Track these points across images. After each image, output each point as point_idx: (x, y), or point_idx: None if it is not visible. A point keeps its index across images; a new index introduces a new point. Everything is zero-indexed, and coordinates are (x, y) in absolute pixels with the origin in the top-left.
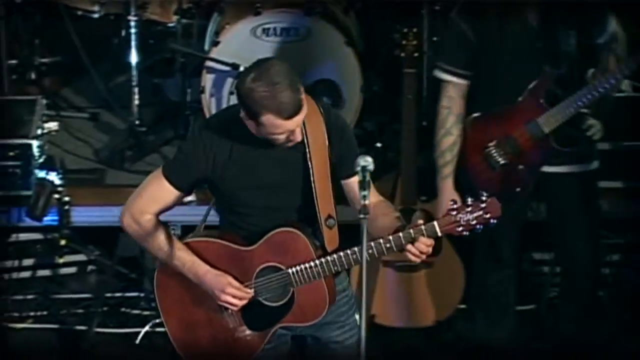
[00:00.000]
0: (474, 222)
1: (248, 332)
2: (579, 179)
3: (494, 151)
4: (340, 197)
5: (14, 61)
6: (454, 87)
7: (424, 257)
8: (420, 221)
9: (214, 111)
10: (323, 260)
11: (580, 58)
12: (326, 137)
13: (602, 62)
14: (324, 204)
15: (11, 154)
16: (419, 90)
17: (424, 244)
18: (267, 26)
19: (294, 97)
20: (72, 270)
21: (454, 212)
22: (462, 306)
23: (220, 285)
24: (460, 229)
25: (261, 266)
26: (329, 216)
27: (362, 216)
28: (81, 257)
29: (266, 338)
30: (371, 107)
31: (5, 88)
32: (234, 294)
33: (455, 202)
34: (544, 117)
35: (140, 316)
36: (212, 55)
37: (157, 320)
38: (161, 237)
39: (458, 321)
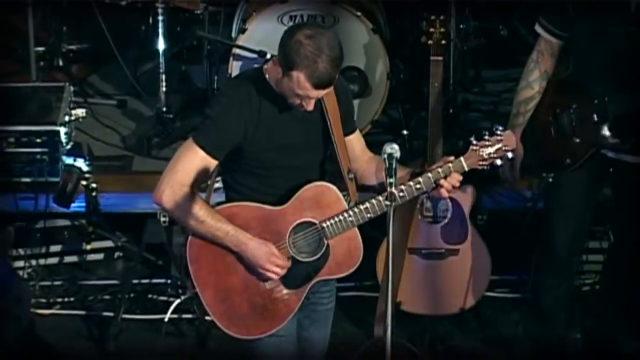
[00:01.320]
0: (495, 155)
1: (285, 291)
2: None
3: (560, 117)
4: None
5: (41, 48)
6: (546, 43)
7: (452, 191)
8: (451, 157)
9: None
10: (356, 209)
11: None
12: (335, 95)
13: None
14: (344, 159)
15: (39, 140)
16: (445, 78)
17: (455, 179)
18: (293, 13)
19: (331, 72)
20: (99, 256)
21: (477, 148)
22: (488, 294)
23: (264, 255)
24: (483, 162)
25: (294, 223)
26: (349, 169)
27: (388, 203)
28: (108, 244)
29: (303, 295)
30: (398, 95)
31: (33, 75)
32: (277, 263)
33: (476, 140)
34: (609, 101)
35: (167, 302)
36: (239, 42)
37: (181, 298)
38: (202, 209)
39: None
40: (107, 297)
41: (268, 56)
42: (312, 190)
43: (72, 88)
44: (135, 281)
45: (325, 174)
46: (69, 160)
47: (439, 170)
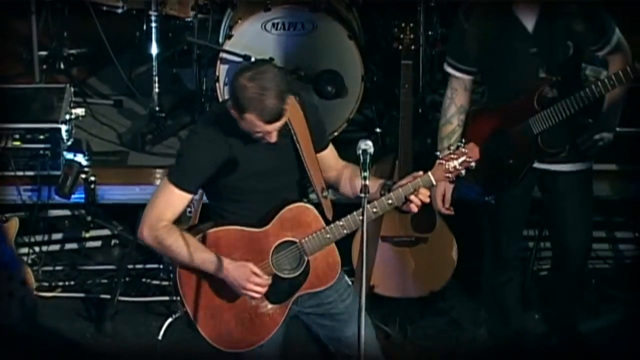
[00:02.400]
0: (460, 167)
1: (270, 306)
2: (579, 175)
3: (490, 143)
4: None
5: (44, 52)
6: (457, 80)
7: (419, 206)
8: (419, 172)
9: None
10: (332, 225)
11: (577, 67)
12: (304, 117)
13: (609, 70)
14: (317, 178)
15: (42, 137)
16: (415, 80)
17: (423, 194)
18: (276, 21)
19: (278, 105)
20: (97, 243)
21: (443, 162)
22: (454, 278)
23: (243, 276)
24: (449, 175)
25: (276, 243)
26: (323, 188)
27: (362, 195)
28: (105, 232)
29: (287, 308)
30: (371, 96)
31: (37, 77)
32: (257, 282)
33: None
34: (534, 118)
35: (160, 286)
36: (226, 47)
37: (173, 317)
38: (179, 241)
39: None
40: (104, 281)
41: (253, 59)
42: (291, 211)
43: (72, 89)
44: (130, 266)
45: (305, 191)
46: (69, 155)
47: (409, 185)
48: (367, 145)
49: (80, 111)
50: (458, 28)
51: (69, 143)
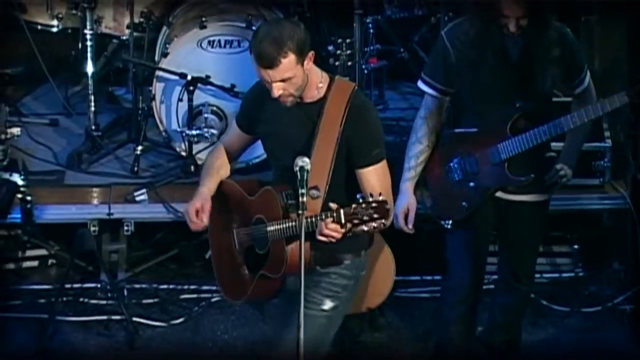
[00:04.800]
0: (366, 218)
1: (246, 272)
2: (538, 205)
3: (454, 165)
4: None
5: None
6: (432, 99)
7: (332, 239)
8: (333, 205)
9: (163, 117)
10: (275, 226)
11: (550, 98)
12: (342, 119)
13: (573, 108)
14: (316, 175)
15: None
16: None
17: (326, 226)
18: (212, 38)
19: (269, 50)
20: (34, 263)
21: (355, 206)
22: (394, 294)
23: (188, 206)
24: (357, 221)
25: (256, 216)
26: (315, 187)
27: (300, 212)
28: (42, 252)
29: (252, 283)
30: None
31: None
32: (191, 219)
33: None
34: (504, 144)
35: (98, 305)
36: (162, 65)
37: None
38: (209, 160)
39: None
40: (42, 300)
41: (189, 77)
42: (266, 193)
43: (7, 108)
44: (67, 286)
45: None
46: (5, 175)
47: (321, 215)
48: (305, 162)
49: (15, 131)
50: (441, 48)
51: (5, 163)
